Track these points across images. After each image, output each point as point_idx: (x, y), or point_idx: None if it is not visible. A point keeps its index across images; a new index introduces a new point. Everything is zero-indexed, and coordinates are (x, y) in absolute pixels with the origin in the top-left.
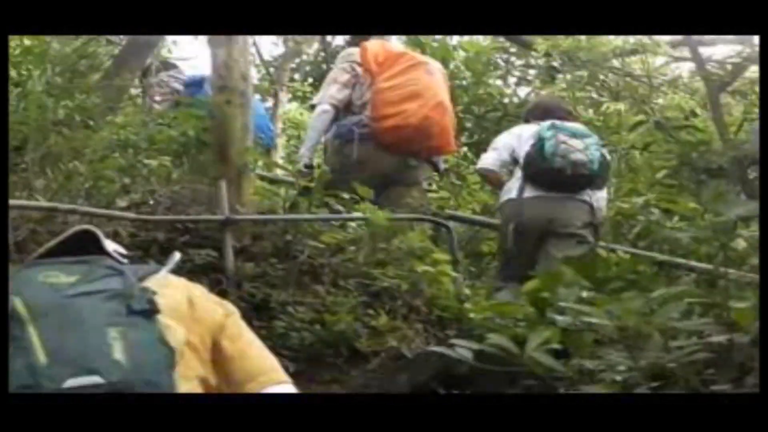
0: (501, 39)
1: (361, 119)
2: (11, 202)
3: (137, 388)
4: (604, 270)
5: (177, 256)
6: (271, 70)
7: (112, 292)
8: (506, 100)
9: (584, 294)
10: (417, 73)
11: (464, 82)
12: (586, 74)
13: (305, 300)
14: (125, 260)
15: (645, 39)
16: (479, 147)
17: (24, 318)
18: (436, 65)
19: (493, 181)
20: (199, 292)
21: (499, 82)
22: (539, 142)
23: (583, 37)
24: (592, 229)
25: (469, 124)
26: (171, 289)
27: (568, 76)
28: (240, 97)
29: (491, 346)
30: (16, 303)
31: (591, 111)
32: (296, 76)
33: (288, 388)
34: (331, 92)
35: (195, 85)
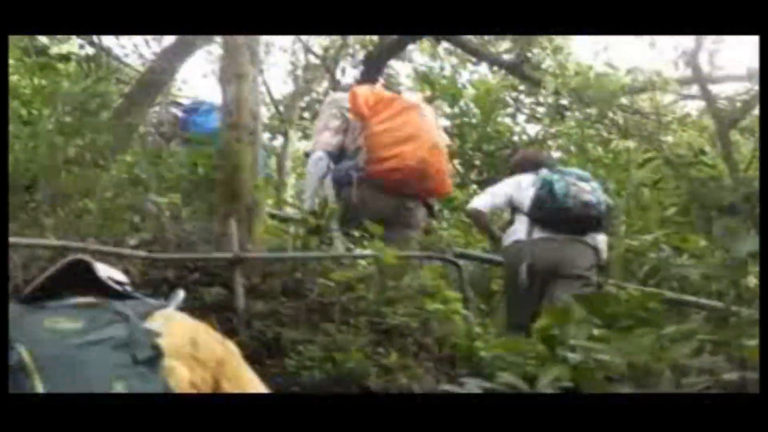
0: (510, 77)
1: (357, 163)
2: (22, 240)
3: None
4: (614, 307)
5: (182, 294)
6: (281, 108)
7: (118, 341)
8: (516, 138)
9: (595, 331)
10: (411, 116)
11: (473, 120)
12: (595, 112)
13: (315, 338)
14: (119, 287)
15: (654, 76)
16: (489, 184)
17: (29, 368)
18: (428, 108)
19: (480, 222)
20: (202, 330)
21: (508, 120)
22: (547, 184)
23: (591, 75)
24: (596, 270)
25: (478, 162)
26: (176, 327)
27: (577, 114)
28: (250, 135)
29: (502, 384)
30: (22, 352)
31: (600, 148)
32: (306, 114)
33: None
34: (325, 139)
35: (193, 111)
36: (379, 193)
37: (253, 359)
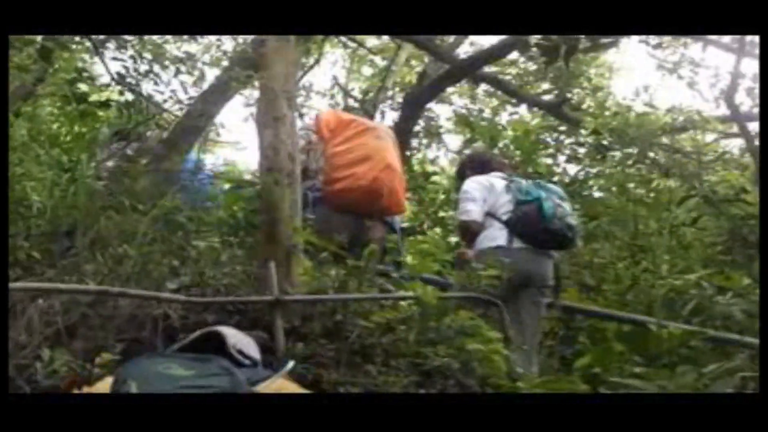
0: (550, 118)
1: (315, 183)
2: (62, 286)
3: None
4: (657, 345)
5: (291, 364)
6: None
7: (220, 390)
8: (556, 179)
9: (636, 369)
10: (366, 138)
11: (513, 161)
12: (635, 151)
13: (357, 380)
14: (247, 360)
15: (694, 115)
16: None
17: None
18: (386, 130)
19: (474, 232)
20: None
21: (548, 161)
22: (536, 202)
23: (631, 115)
24: (555, 284)
25: None
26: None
27: (618, 154)
28: (287, 177)
29: None
30: (131, 386)
31: (641, 188)
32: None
33: None
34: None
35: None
36: (336, 213)
37: None
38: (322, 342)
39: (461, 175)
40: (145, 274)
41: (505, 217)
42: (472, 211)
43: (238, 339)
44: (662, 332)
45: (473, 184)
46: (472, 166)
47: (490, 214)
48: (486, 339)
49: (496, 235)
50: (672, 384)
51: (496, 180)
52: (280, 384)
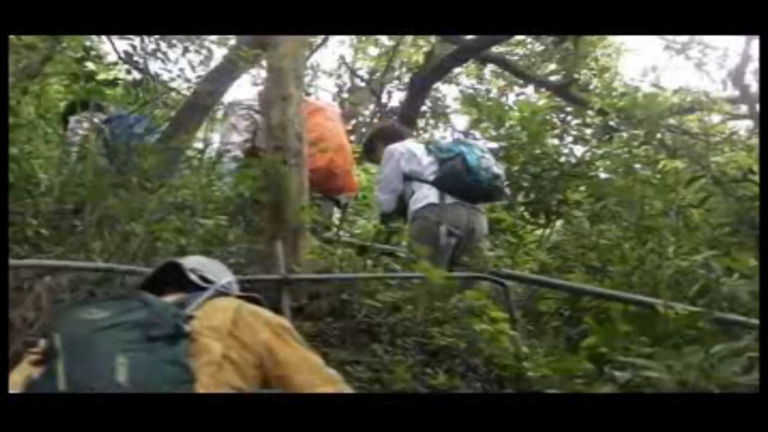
0: (557, 99)
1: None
2: (70, 263)
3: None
4: (663, 326)
5: (222, 281)
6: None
7: (134, 323)
8: (562, 159)
9: (643, 349)
10: (318, 119)
11: (520, 142)
12: (642, 132)
13: (363, 359)
14: (202, 282)
15: (702, 97)
16: (536, 206)
17: (58, 352)
18: (334, 110)
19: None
20: (248, 313)
21: (555, 141)
22: (458, 156)
23: (639, 96)
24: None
25: (525, 184)
26: (220, 311)
27: (625, 135)
28: (295, 156)
29: None
30: (56, 338)
31: (648, 169)
32: (352, 137)
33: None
34: (233, 139)
35: (116, 120)
36: None
37: None
38: (328, 321)
39: (371, 148)
40: (153, 251)
41: (431, 178)
42: (384, 203)
43: (200, 264)
44: (668, 313)
45: (388, 163)
46: (384, 136)
47: (415, 179)
48: (492, 319)
49: (426, 194)
50: (679, 364)
51: (414, 145)
52: (217, 301)
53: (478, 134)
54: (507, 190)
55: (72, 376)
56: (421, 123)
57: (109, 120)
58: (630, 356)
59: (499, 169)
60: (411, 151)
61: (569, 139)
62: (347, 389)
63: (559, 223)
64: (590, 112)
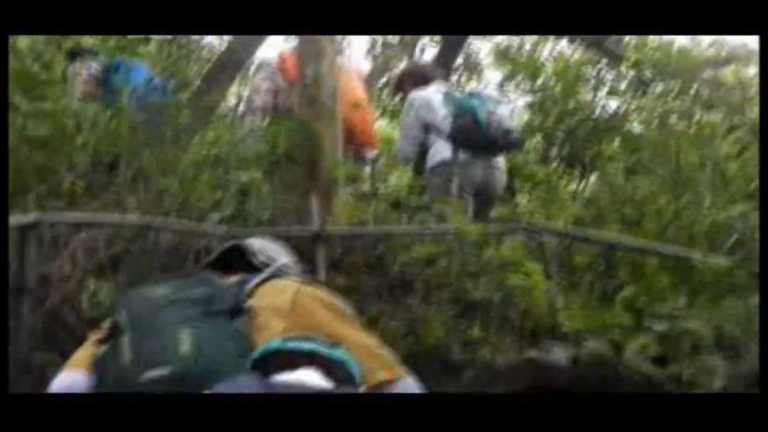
0: (591, 52)
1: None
2: (105, 218)
3: (202, 375)
4: (700, 278)
5: (276, 264)
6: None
7: (196, 299)
8: (597, 113)
9: (680, 301)
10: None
11: (554, 95)
12: (677, 85)
13: (397, 313)
14: (261, 265)
15: (738, 49)
16: (570, 159)
17: (125, 328)
18: (349, 66)
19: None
20: (306, 294)
21: (589, 95)
22: (469, 111)
23: (674, 48)
24: (508, 191)
25: (559, 137)
26: (279, 291)
27: (659, 87)
28: (328, 112)
29: (588, 352)
30: (121, 315)
31: (683, 122)
32: (385, 92)
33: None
34: (255, 100)
35: (114, 69)
36: None
37: None
38: (363, 275)
39: (400, 89)
40: (188, 206)
41: (446, 132)
42: (403, 150)
43: (264, 247)
44: (705, 265)
45: (409, 111)
46: (413, 80)
47: (433, 129)
48: (527, 272)
49: (440, 149)
50: (718, 316)
51: (434, 95)
52: (278, 281)
53: (511, 88)
54: (520, 144)
55: (137, 350)
56: (454, 78)
57: (115, 68)
58: (667, 308)
59: (512, 122)
60: (429, 101)
61: (603, 92)
62: (404, 373)
63: (593, 176)
64: (624, 66)
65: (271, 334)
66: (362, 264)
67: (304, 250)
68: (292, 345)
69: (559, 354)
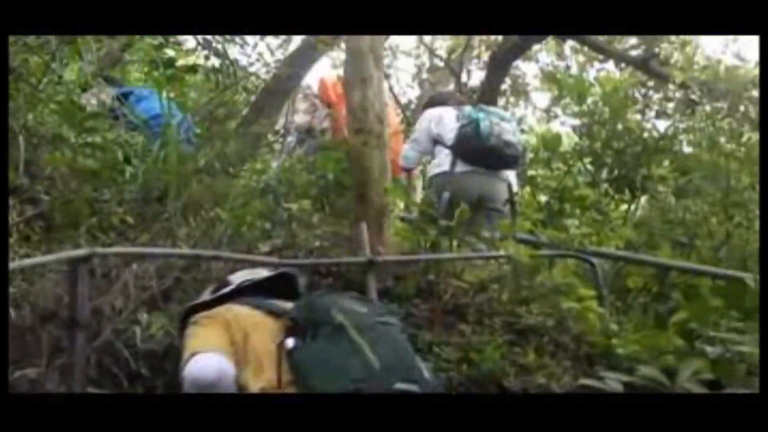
0: (638, 73)
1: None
2: (156, 250)
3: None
4: (753, 299)
5: None
6: (408, 111)
7: (401, 328)
8: (645, 134)
9: (733, 324)
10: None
11: (602, 118)
12: (725, 105)
13: (451, 339)
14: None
15: None
16: (620, 182)
17: (350, 328)
18: (386, 92)
19: (408, 173)
20: None
21: (637, 117)
22: (473, 122)
23: (721, 68)
24: (509, 205)
25: (608, 160)
26: None
27: (708, 108)
28: (376, 138)
29: (642, 378)
30: (340, 316)
31: (732, 142)
32: None
33: None
34: (295, 119)
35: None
36: None
37: None
38: (415, 302)
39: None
40: (238, 236)
41: (449, 143)
42: (409, 158)
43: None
44: (758, 287)
45: (422, 122)
46: (430, 103)
47: (438, 142)
48: (580, 296)
49: (441, 162)
50: None
51: (446, 110)
52: None
53: (559, 111)
54: (521, 158)
55: (381, 358)
56: (501, 101)
57: (125, 95)
58: (720, 331)
59: (515, 136)
60: (441, 116)
61: (651, 113)
62: None
63: (643, 198)
64: (672, 86)
65: None
66: (414, 291)
67: (355, 278)
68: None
69: (613, 381)
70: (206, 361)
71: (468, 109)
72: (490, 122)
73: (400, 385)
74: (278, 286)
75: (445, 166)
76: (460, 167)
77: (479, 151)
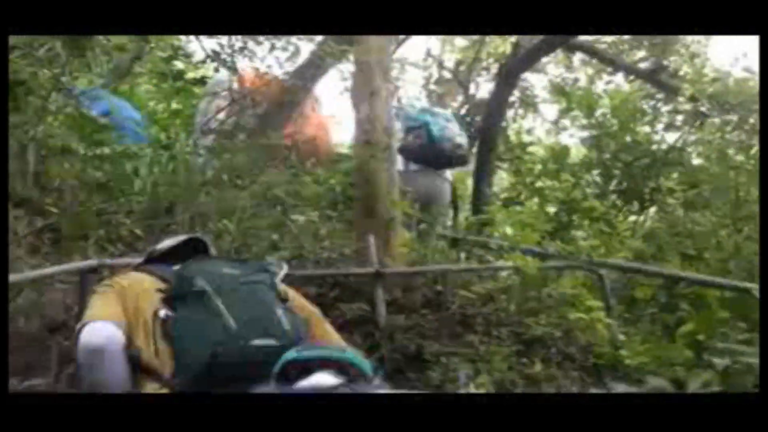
0: (647, 86)
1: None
2: None
3: (291, 348)
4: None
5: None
6: None
7: (270, 283)
8: (654, 147)
9: (741, 336)
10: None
11: (611, 130)
12: (734, 118)
13: (459, 350)
14: None
15: None
16: (627, 194)
17: (211, 293)
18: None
19: None
20: (294, 291)
21: (646, 129)
22: (424, 126)
23: (730, 81)
24: (452, 206)
25: (617, 172)
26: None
27: (717, 121)
28: (384, 150)
29: (650, 389)
30: (201, 282)
31: (741, 155)
32: None
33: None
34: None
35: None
36: None
37: (395, 372)
38: (423, 313)
39: None
40: (246, 248)
41: (398, 144)
42: None
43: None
44: (759, 286)
45: None
46: None
47: None
48: (588, 307)
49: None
50: None
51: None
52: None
53: (568, 123)
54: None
55: (238, 317)
56: (510, 113)
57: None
58: (728, 342)
59: (462, 138)
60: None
61: (660, 126)
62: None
63: (652, 210)
64: (681, 99)
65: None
66: (421, 302)
67: (363, 289)
68: (306, 354)
69: (621, 391)
70: (94, 327)
71: (411, 110)
72: (440, 125)
73: (258, 341)
74: (195, 252)
75: (399, 165)
76: (412, 166)
77: (431, 154)
